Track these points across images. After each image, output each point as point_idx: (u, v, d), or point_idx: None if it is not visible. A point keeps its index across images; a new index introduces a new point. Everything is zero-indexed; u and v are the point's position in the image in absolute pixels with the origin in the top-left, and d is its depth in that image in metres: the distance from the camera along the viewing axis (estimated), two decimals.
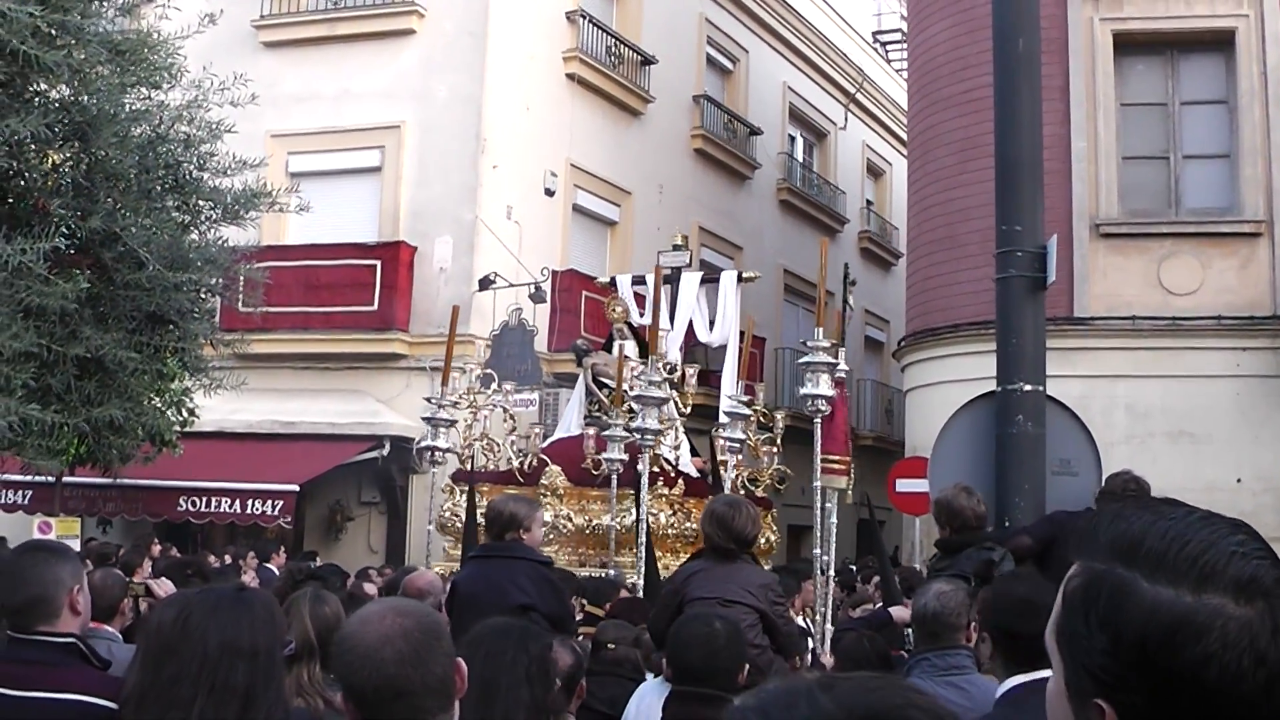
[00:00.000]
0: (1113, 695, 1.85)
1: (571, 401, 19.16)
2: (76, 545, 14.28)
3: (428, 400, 15.59)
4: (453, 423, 15.33)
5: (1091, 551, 1.93)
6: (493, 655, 4.77)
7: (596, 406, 17.88)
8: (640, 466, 13.74)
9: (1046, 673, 5.69)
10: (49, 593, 4.99)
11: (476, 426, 16.96)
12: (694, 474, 17.20)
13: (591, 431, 16.79)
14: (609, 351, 18.72)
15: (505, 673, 4.79)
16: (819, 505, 11.41)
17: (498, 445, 17.30)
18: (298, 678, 5.65)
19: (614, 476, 15.02)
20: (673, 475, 16.02)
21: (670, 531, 15.69)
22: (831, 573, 11.62)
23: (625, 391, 16.62)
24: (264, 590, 5.43)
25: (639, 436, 13.48)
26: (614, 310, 19.15)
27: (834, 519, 11.41)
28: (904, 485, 21.12)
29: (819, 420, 11.18)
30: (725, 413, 14.57)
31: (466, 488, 15.54)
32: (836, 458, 11.45)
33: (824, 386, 10.97)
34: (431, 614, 3.74)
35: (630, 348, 18.40)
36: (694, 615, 6.70)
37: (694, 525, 15.78)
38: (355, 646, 3.54)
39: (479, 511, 13.68)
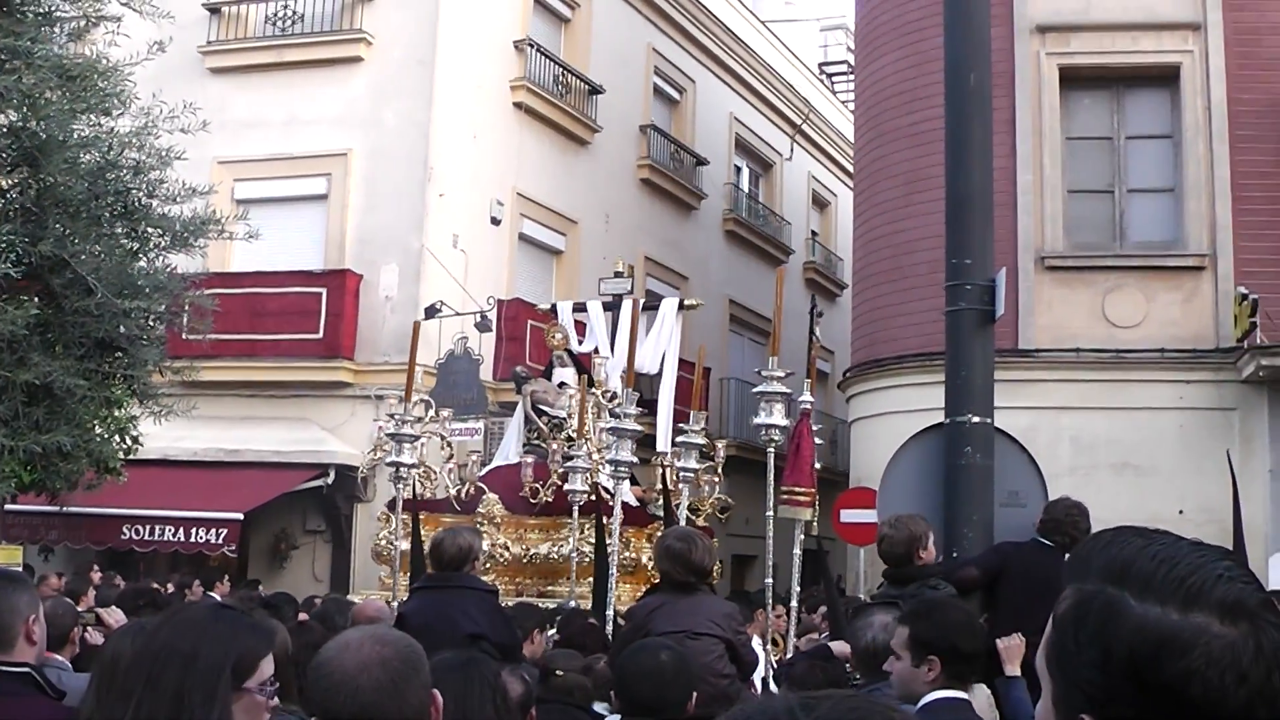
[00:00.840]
0: (1101, 711, 1.90)
1: (510, 429, 19.03)
2: None
3: (390, 416, 15.35)
4: (417, 438, 15.07)
5: (1083, 575, 1.98)
6: (461, 694, 4.72)
7: (535, 434, 17.72)
8: (614, 498, 13.61)
9: (963, 694, 5.92)
10: (5, 621, 4.90)
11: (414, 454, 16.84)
12: (633, 503, 16.97)
13: (529, 459, 16.63)
14: (549, 379, 18.63)
15: (477, 710, 4.77)
16: (770, 535, 11.41)
17: (434, 473, 17.15)
18: None
19: (575, 507, 14.77)
20: (610, 504, 15.82)
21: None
22: (795, 603, 11.59)
23: (566, 419, 16.53)
24: (245, 611, 5.37)
25: (611, 468, 13.39)
26: (553, 337, 19.06)
27: (797, 549, 11.40)
28: (849, 515, 21.17)
29: (772, 450, 11.18)
30: (678, 442, 14.46)
31: (406, 517, 15.46)
32: (802, 490, 11.45)
33: (777, 416, 10.97)
34: (411, 644, 3.69)
35: (569, 375, 18.33)
36: (640, 646, 6.66)
37: (632, 555, 15.65)
38: (332, 673, 3.50)
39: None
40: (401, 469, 14.42)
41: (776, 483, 11.50)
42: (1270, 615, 1.88)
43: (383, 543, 16.85)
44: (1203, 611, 1.85)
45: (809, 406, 11.81)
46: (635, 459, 13.87)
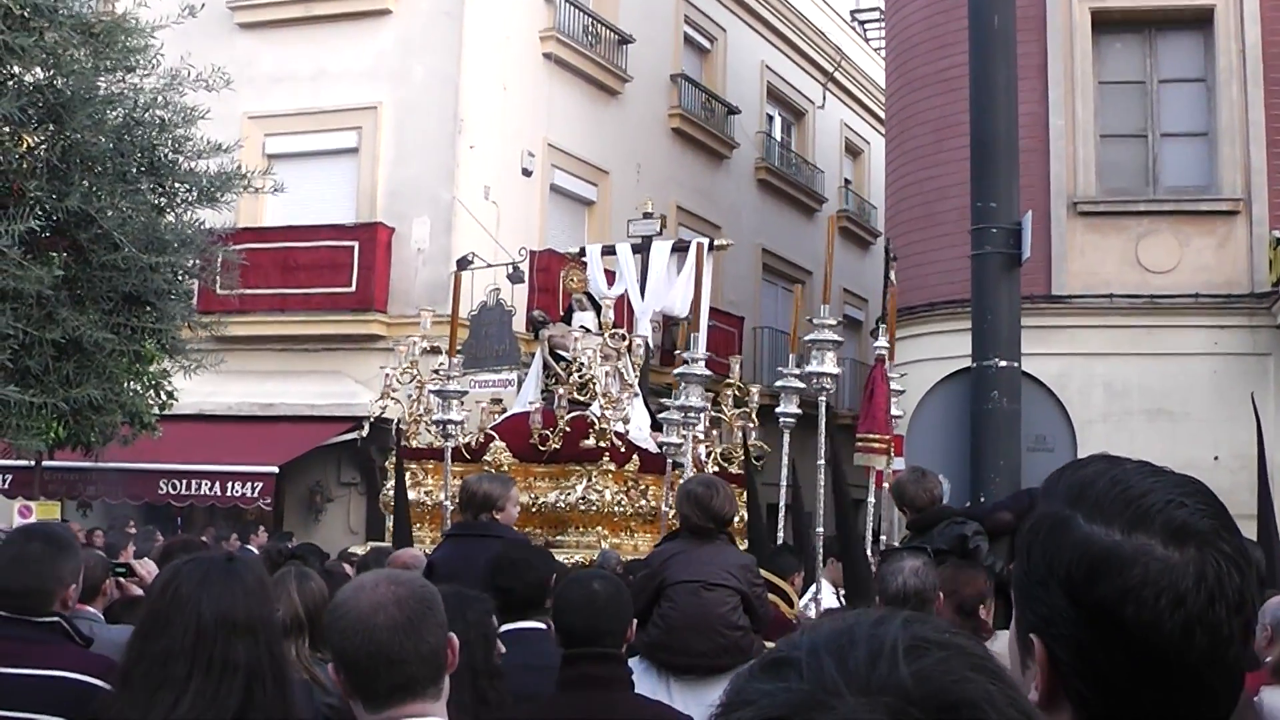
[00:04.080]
0: (1046, 630, 1.90)
1: (529, 375, 18.82)
2: None
3: (435, 372, 15.17)
4: (464, 393, 14.82)
5: (1049, 499, 1.99)
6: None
7: (553, 380, 17.38)
8: (684, 444, 13.40)
9: (534, 623, 6.50)
10: (47, 587, 5.06)
11: (421, 402, 16.72)
12: (653, 449, 16.21)
13: (538, 405, 16.39)
14: (569, 323, 18.41)
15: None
16: (823, 484, 11.31)
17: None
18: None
19: (670, 461, 14.33)
20: (623, 450, 15.50)
21: (618, 509, 15.20)
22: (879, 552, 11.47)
23: (580, 363, 16.31)
24: (253, 557, 5.46)
25: (682, 415, 13.18)
26: (571, 280, 18.82)
27: (871, 498, 11.32)
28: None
29: (823, 400, 11.09)
30: (777, 386, 13.97)
31: (427, 465, 15.36)
32: (877, 436, 11.37)
33: (829, 364, 10.87)
34: (426, 585, 3.73)
35: (589, 318, 18.13)
36: (574, 578, 6.60)
37: (651, 503, 15.40)
38: (348, 613, 3.53)
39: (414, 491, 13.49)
40: (449, 426, 14.23)
41: (828, 432, 11.42)
42: (1222, 544, 1.86)
43: (389, 495, 16.70)
44: (1146, 533, 1.85)
45: (884, 353, 11.71)
46: (707, 405, 13.72)
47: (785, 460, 13.21)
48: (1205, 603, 1.82)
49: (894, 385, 13.31)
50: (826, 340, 10.94)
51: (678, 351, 16.15)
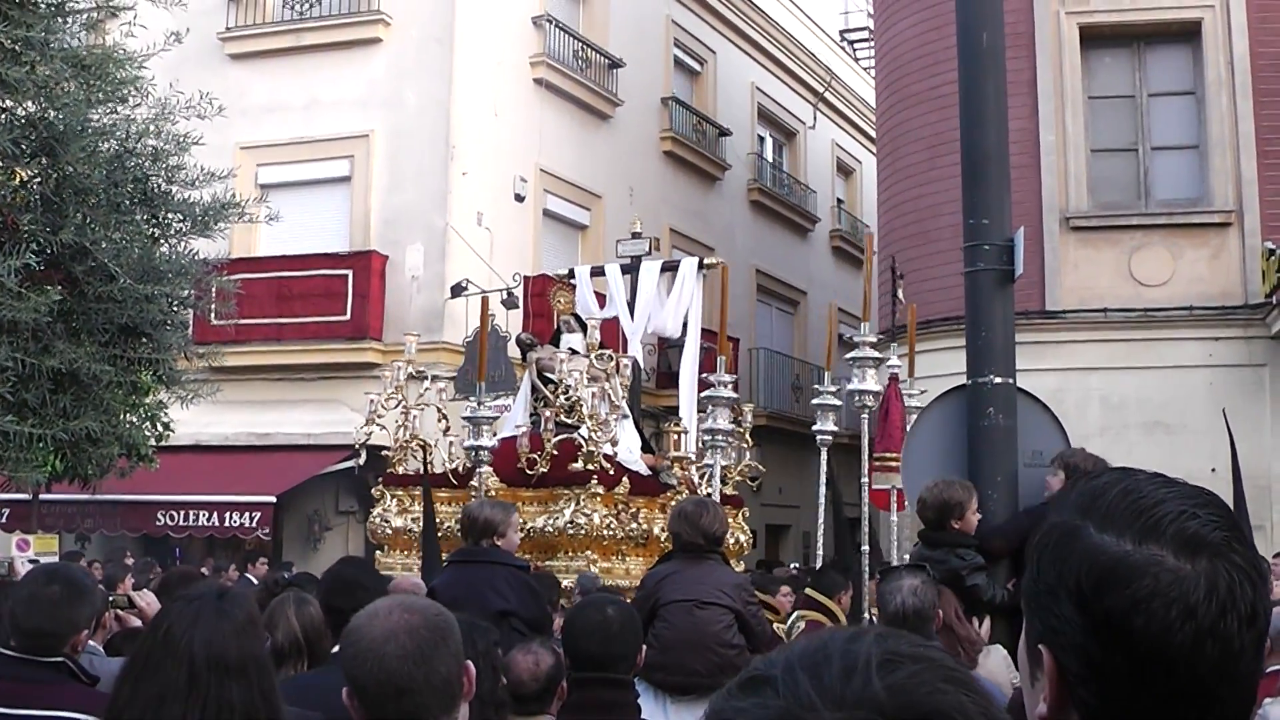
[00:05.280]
0: (1054, 640, 1.90)
1: (517, 399, 18.74)
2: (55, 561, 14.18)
3: (466, 398, 15.11)
4: (494, 419, 14.79)
5: (1061, 508, 1.98)
6: None
7: (542, 403, 17.23)
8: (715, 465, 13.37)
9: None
10: (60, 630, 5.10)
11: (407, 428, 16.66)
12: (643, 471, 16.21)
13: (524, 428, 16.28)
14: (556, 344, 18.32)
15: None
16: (867, 505, 11.33)
17: (430, 446, 16.87)
18: (285, 678, 5.67)
19: (705, 478, 14.26)
20: (612, 473, 15.10)
21: (606, 533, 14.88)
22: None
23: (568, 385, 16.24)
24: (243, 593, 5.45)
25: (708, 437, 13.13)
26: (558, 300, 18.74)
27: (894, 516, 11.30)
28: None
29: (865, 418, 11.11)
30: (815, 404, 13.85)
31: (413, 491, 15.28)
32: (893, 455, 11.36)
33: (870, 382, 10.87)
34: (442, 613, 3.72)
35: (578, 340, 18.06)
36: (587, 603, 6.66)
37: (642, 526, 15.31)
38: (360, 640, 3.53)
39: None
40: (481, 452, 14.20)
41: (871, 450, 11.38)
42: (1235, 556, 1.85)
43: (377, 521, 16.59)
44: (1157, 544, 1.83)
45: (897, 371, 11.67)
46: (732, 426, 13.67)
47: (823, 478, 13.16)
48: (1216, 615, 1.81)
49: (914, 402, 13.30)
50: (868, 358, 10.93)
51: (704, 375, 16.11)
